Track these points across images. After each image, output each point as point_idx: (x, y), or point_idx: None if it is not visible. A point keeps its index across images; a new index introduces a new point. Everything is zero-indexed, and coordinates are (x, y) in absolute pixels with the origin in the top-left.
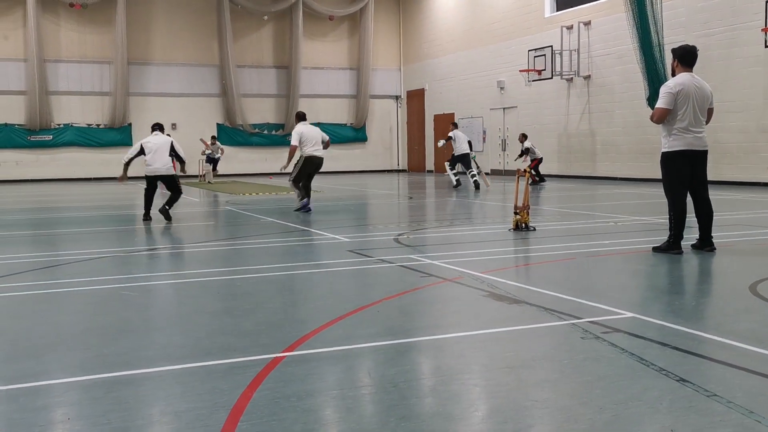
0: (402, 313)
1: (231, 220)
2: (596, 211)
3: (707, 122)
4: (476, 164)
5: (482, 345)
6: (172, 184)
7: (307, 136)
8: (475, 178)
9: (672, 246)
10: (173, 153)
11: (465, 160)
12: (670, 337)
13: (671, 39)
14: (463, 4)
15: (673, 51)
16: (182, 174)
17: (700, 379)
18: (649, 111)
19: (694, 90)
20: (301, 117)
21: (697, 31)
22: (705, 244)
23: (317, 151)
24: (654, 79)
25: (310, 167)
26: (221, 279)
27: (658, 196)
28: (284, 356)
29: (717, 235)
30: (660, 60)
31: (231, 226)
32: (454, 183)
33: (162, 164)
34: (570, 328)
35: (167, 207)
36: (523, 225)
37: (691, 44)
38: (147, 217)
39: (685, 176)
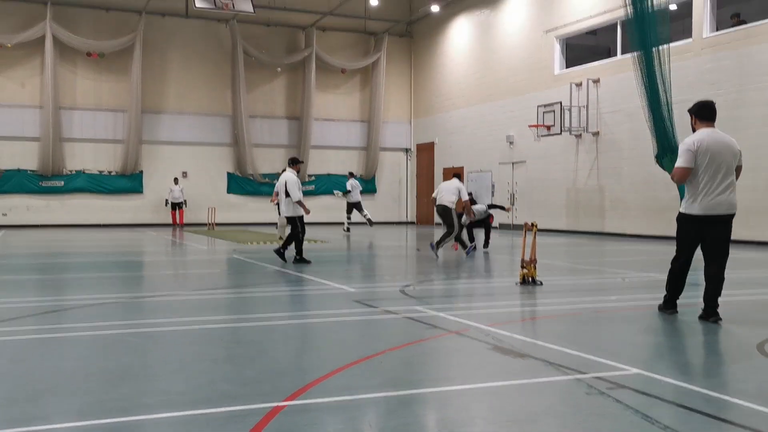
0: (405, 365)
1: (237, 268)
2: (604, 266)
3: (736, 178)
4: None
5: (486, 398)
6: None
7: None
8: (368, 217)
9: (665, 305)
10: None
11: (359, 206)
12: (675, 394)
13: (679, 98)
14: (473, 59)
15: (690, 110)
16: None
17: None
18: (658, 169)
19: (715, 145)
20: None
21: (705, 91)
22: (709, 314)
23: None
24: (662, 137)
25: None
26: (225, 327)
27: (666, 252)
28: (285, 405)
29: (724, 293)
30: (668, 119)
31: (236, 275)
32: (347, 228)
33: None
34: (575, 383)
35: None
36: (530, 279)
37: (708, 99)
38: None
39: (693, 241)
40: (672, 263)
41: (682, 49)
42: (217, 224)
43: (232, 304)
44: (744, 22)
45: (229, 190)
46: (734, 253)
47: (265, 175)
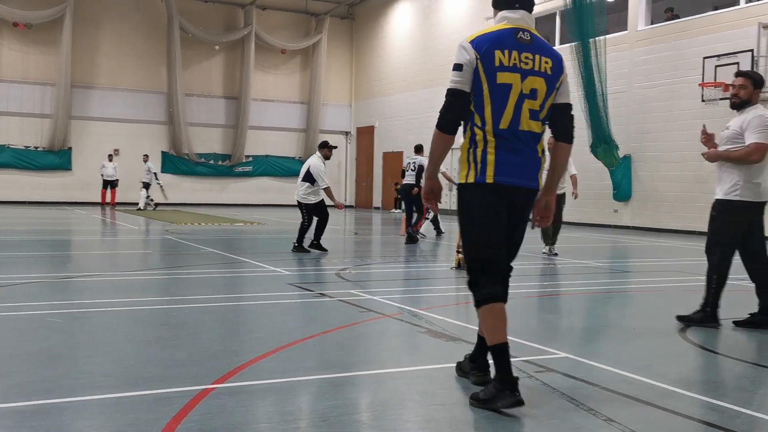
0: (339, 348)
1: (170, 249)
2: (538, 253)
3: None
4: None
5: (417, 381)
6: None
7: None
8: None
9: (710, 317)
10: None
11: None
12: (600, 377)
13: (614, 89)
14: (415, 44)
15: (754, 77)
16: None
17: (626, 419)
18: (593, 158)
19: None
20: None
21: (639, 83)
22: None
23: None
24: (597, 127)
25: None
26: (155, 308)
27: (609, 240)
28: (214, 388)
29: (651, 280)
30: (603, 109)
31: (170, 256)
32: (143, 207)
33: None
34: None
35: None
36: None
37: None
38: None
39: (742, 230)
40: (721, 265)
41: (618, 41)
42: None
43: (163, 286)
44: (677, 17)
45: (164, 170)
46: (663, 242)
47: (201, 155)
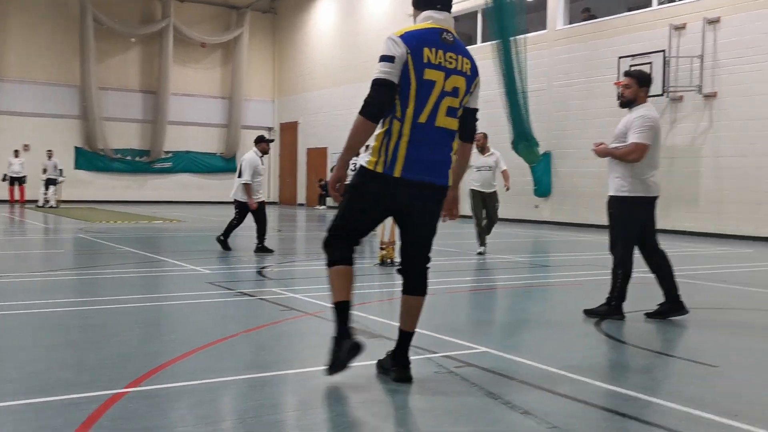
0: (259, 347)
1: (83, 248)
2: (462, 248)
3: None
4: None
5: (338, 379)
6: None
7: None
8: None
9: (617, 309)
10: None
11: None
12: (519, 370)
13: (534, 87)
14: (338, 40)
15: (639, 77)
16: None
17: (543, 411)
18: (515, 154)
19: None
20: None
21: (558, 81)
22: (676, 306)
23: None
24: (518, 124)
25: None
26: (67, 310)
27: (520, 235)
28: (127, 391)
29: (570, 274)
30: (524, 106)
31: (83, 255)
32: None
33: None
34: (425, 362)
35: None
36: (389, 260)
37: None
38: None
39: (640, 225)
40: (625, 260)
41: (537, 40)
42: (64, 201)
43: (76, 286)
44: (594, 17)
45: (78, 166)
46: (581, 236)
47: (117, 151)
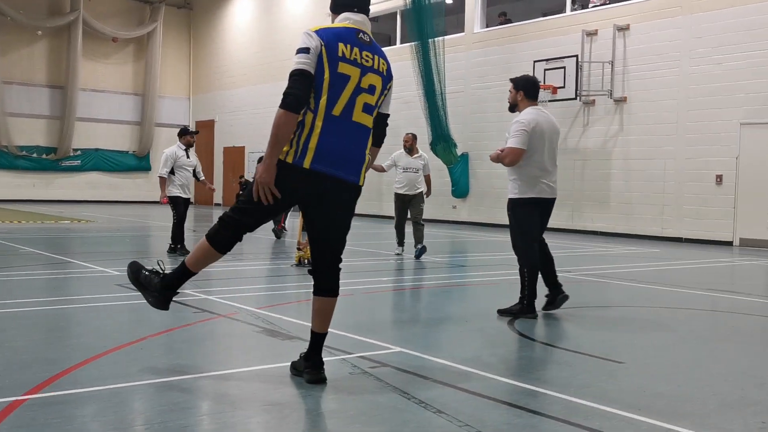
0: (168, 351)
1: None
2: (380, 248)
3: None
4: None
5: (250, 382)
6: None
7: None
8: None
9: (527, 308)
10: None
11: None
12: (432, 370)
13: (452, 89)
14: (256, 39)
15: (515, 81)
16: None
17: (456, 409)
18: (432, 156)
19: (546, 125)
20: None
21: (475, 84)
22: (557, 292)
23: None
24: (436, 125)
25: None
26: None
27: (434, 236)
28: (25, 399)
29: (486, 273)
30: (442, 108)
31: None
32: None
33: None
34: (340, 363)
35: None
36: (306, 261)
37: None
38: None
39: (536, 224)
40: (528, 258)
41: (455, 42)
42: None
43: None
44: (510, 21)
45: None
46: (497, 236)
47: (22, 148)
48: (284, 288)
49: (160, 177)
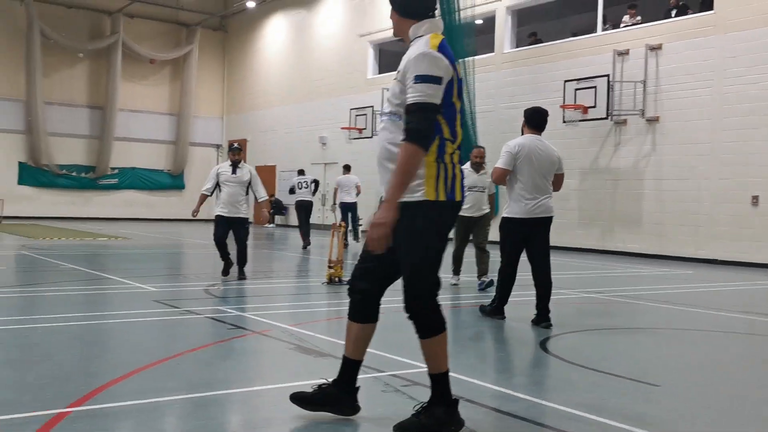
0: (205, 366)
1: (25, 266)
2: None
3: (557, 188)
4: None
5: (284, 399)
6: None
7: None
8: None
9: (495, 311)
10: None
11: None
12: (465, 390)
13: (481, 108)
14: (288, 59)
15: (525, 111)
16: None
17: (485, 431)
18: None
19: (536, 152)
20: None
21: (504, 103)
22: (542, 319)
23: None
24: (466, 144)
25: None
26: (6, 329)
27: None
28: (69, 411)
29: (523, 293)
30: (472, 127)
31: (24, 273)
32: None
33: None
34: (372, 381)
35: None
36: (337, 279)
37: (540, 107)
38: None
39: (518, 242)
40: (503, 268)
41: (485, 62)
42: (5, 217)
43: (16, 305)
44: (540, 41)
45: (21, 182)
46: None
47: (62, 167)
48: (316, 306)
49: (201, 193)
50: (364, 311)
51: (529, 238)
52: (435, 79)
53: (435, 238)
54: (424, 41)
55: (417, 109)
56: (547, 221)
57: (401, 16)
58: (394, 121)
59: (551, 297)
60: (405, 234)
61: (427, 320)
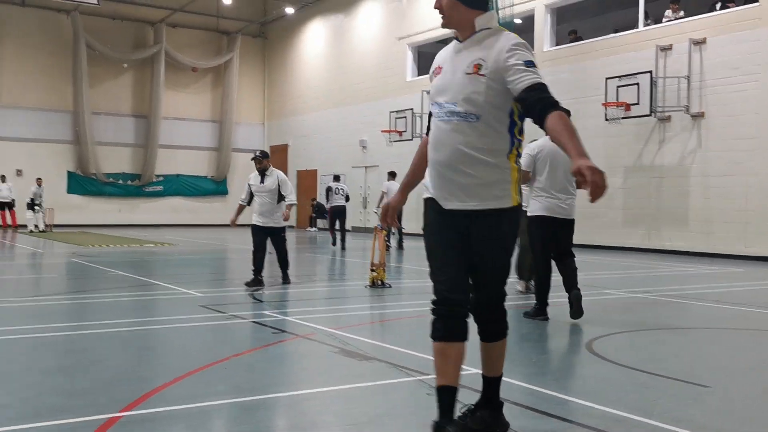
0: (250, 370)
1: (76, 273)
2: None
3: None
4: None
5: (329, 402)
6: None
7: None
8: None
9: (538, 312)
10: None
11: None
12: (512, 393)
13: None
14: (327, 64)
15: None
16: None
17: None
18: None
19: (557, 153)
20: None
21: None
22: (577, 297)
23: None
24: None
25: None
26: (59, 335)
27: None
28: (121, 416)
29: (560, 294)
30: None
31: (75, 279)
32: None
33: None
34: (417, 384)
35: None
36: (380, 282)
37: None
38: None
39: (546, 241)
40: (538, 270)
41: None
42: (56, 226)
43: (68, 311)
44: (581, 39)
45: (70, 190)
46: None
47: (109, 175)
48: (359, 309)
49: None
50: (463, 327)
51: (554, 237)
52: (535, 64)
53: (514, 242)
54: (505, 34)
55: (544, 85)
56: (568, 223)
57: (469, 6)
58: (470, 123)
59: (583, 298)
60: (493, 240)
61: (503, 324)
